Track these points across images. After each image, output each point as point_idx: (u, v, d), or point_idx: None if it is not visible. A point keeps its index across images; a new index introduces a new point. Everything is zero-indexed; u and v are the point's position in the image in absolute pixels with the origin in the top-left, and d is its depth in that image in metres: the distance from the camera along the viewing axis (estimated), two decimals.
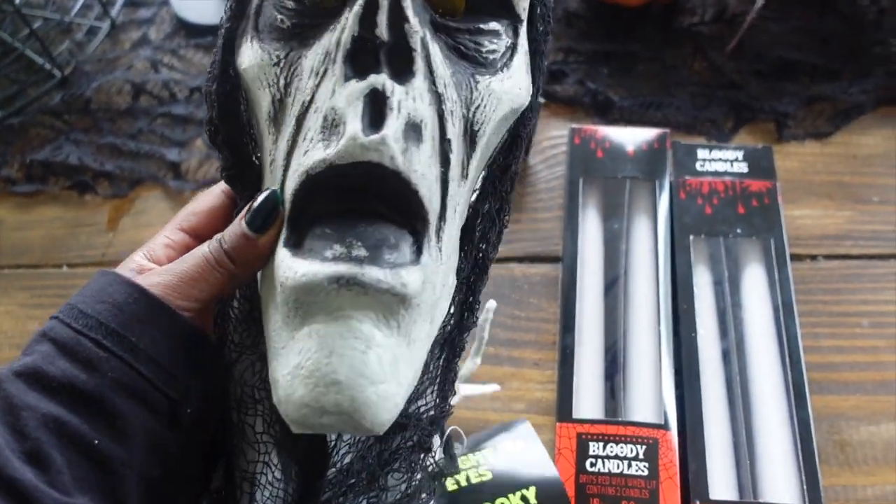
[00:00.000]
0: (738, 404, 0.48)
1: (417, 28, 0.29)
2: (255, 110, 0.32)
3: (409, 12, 0.28)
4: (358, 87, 0.28)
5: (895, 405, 0.50)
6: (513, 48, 0.33)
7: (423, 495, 0.35)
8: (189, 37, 0.71)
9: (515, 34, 0.33)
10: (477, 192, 0.34)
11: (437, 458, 0.36)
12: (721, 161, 0.56)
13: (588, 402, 0.49)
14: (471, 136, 0.31)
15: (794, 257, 0.56)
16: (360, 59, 0.28)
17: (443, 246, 0.30)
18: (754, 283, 0.52)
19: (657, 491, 0.44)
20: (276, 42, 0.31)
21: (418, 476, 0.35)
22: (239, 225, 0.30)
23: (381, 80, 0.28)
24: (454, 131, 0.30)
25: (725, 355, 0.50)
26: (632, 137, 0.57)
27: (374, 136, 0.28)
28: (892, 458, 0.48)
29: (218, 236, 0.31)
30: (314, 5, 0.31)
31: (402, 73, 0.29)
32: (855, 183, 0.59)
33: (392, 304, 0.28)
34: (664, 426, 0.46)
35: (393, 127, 0.28)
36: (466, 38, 0.31)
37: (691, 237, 0.53)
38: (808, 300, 0.54)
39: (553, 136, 0.63)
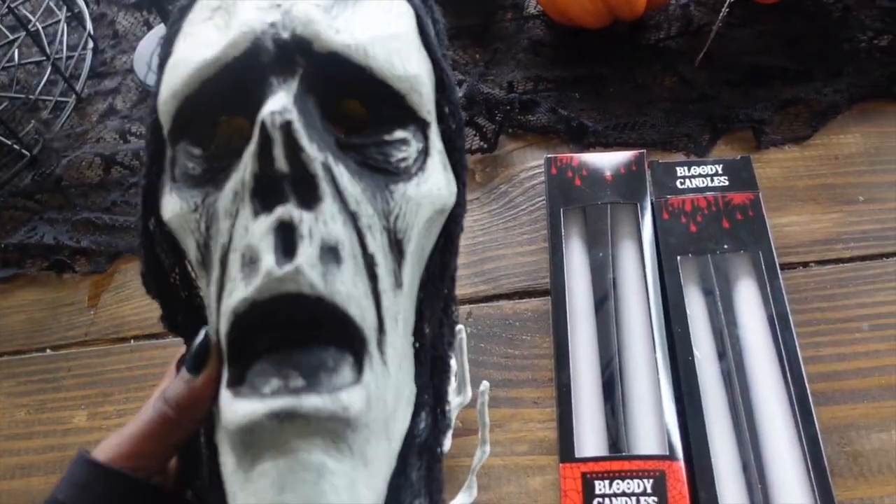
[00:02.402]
0: (744, 426, 0.46)
1: (315, 154, 0.29)
2: (188, 255, 0.32)
3: (304, 141, 0.28)
4: (267, 221, 0.28)
5: None
6: (425, 151, 0.32)
7: None
8: None
9: (425, 137, 0.33)
10: (421, 296, 0.34)
11: None
12: (701, 177, 0.55)
13: (590, 438, 0.47)
14: (397, 246, 0.31)
15: (787, 266, 0.55)
16: (266, 193, 0.29)
17: (388, 359, 0.30)
18: (747, 298, 0.51)
19: None
20: (193, 189, 0.31)
21: None
22: (176, 371, 0.31)
23: (289, 210, 0.28)
24: (376, 244, 0.30)
25: (726, 376, 0.48)
26: (609, 161, 0.56)
27: (289, 268, 0.28)
28: None
29: (162, 386, 0.32)
30: (220, 148, 0.31)
31: (309, 199, 0.29)
32: (839, 184, 0.59)
33: (338, 429, 0.28)
34: (670, 457, 0.45)
35: (306, 254, 0.28)
36: (374, 152, 0.31)
37: (679, 258, 0.52)
38: (805, 309, 0.53)
39: (530, 166, 0.63)
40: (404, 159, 0.32)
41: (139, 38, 0.76)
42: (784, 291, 0.50)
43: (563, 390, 0.48)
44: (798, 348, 0.48)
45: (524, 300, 0.56)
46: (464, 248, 0.59)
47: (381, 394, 0.29)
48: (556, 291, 0.52)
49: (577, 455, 0.46)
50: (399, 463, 0.32)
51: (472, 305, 0.56)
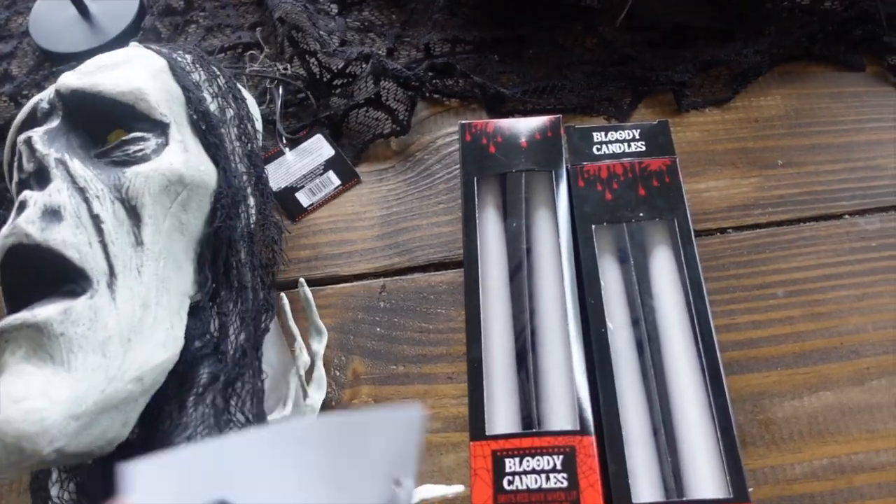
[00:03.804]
0: (655, 398, 0.46)
1: (48, 152, 0.41)
2: None
3: (39, 146, 0.41)
4: (16, 205, 0.39)
5: (816, 376, 0.48)
6: (165, 143, 0.44)
7: None
8: (54, 66, 0.67)
9: (164, 133, 0.44)
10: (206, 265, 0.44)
11: None
12: (618, 142, 0.54)
13: (502, 415, 0.46)
14: (133, 210, 0.41)
15: (704, 232, 0.54)
16: (25, 189, 0.40)
17: (118, 297, 0.38)
18: (662, 267, 0.50)
19: (578, 501, 0.42)
20: None
21: None
22: None
23: (26, 193, 0.39)
24: (103, 208, 0.40)
25: (639, 347, 0.48)
26: (524, 127, 0.55)
27: (9, 225, 0.38)
28: (818, 432, 0.47)
29: None
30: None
31: (42, 182, 0.40)
32: (758, 148, 0.58)
33: (32, 335, 0.35)
34: (581, 431, 0.44)
35: (25, 215, 0.38)
36: (117, 152, 0.43)
37: (594, 226, 0.50)
38: (721, 276, 0.52)
39: (447, 133, 0.60)
40: (141, 150, 0.43)
41: None
42: (698, 259, 0.49)
43: (475, 366, 0.47)
44: (711, 317, 0.47)
45: (439, 272, 0.55)
46: (378, 219, 0.57)
47: (96, 317, 0.37)
48: (469, 263, 0.50)
49: (487, 433, 0.45)
50: (175, 403, 0.40)
51: (386, 279, 0.55)
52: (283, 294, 0.50)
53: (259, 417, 0.43)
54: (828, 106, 0.59)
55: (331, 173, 0.59)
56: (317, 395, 0.48)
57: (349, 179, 0.59)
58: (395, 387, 0.50)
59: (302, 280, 0.51)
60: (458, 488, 0.44)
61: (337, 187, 0.58)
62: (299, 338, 0.48)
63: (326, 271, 0.55)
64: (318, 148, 0.60)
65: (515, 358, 0.48)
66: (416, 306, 0.53)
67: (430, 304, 0.53)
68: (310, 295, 0.50)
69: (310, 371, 0.49)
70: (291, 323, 0.49)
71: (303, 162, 0.59)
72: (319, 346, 0.50)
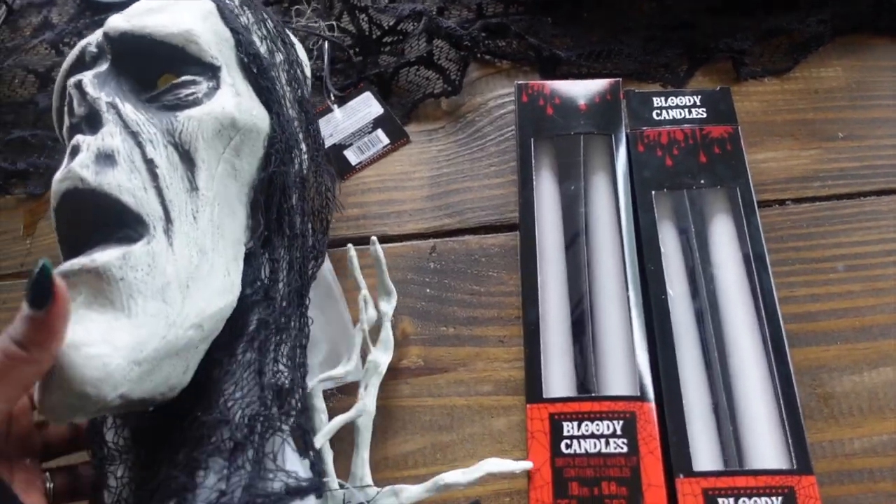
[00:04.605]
0: (716, 367, 0.45)
1: (99, 95, 0.40)
2: None
3: (90, 89, 0.40)
4: (68, 149, 0.38)
5: (876, 351, 0.47)
6: (216, 87, 0.42)
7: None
8: (95, 15, 0.65)
9: (215, 77, 0.43)
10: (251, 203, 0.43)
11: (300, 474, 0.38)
12: (678, 108, 0.52)
13: (559, 378, 0.45)
14: (186, 155, 0.40)
15: (762, 204, 0.53)
16: (77, 134, 0.39)
17: (175, 242, 0.37)
18: (723, 235, 0.49)
19: (638, 468, 0.41)
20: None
21: (238, 479, 0.36)
22: (22, 308, 0.31)
23: (78, 137, 0.38)
24: (157, 153, 0.39)
25: (699, 316, 0.47)
26: (582, 90, 0.53)
27: (63, 170, 0.37)
28: (878, 407, 0.46)
29: (6, 329, 0.31)
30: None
31: (95, 126, 0.39)
32: (818, 119, 0.56)
33: (92, 280, 0.34)
34: (641, 398, 0.43)
35: (79, 159, 0.37)
36: (168, 96, 0.42)
37: (653, 192, 0.49)
38: (780, 248, 0.51)
39: (500, 94, 0.59)
40: (192, 94, 0.42)
41: None
42: (761, 230, 0.48)
43: (531, 329, 0.46)
44: (774, 288, 0.46)
45: (491, 235, 0.54)
46: (427, 180, 0.56)
47: (154, 263, 0.36)
48: (524, 226, 0.49)
49: (545, 395, 0.44)
50: (226, 351, 0.39)
51: (436, 240, 0.54)
52: (350, 245, 0.49)
53: (302, 366, 0.42)
54: (890, 79, 0.58)
55: (379, 132, 0.58)
56: (383, 356, 0.47)
57: (398, 139, 0.57)
58: (446, 348, 0.50)
59: (374, 238, 0.49)
60: (526, 465, 0.42)
61: (385, 146, 0.57)
62: (364, 290, 0.47)
63: (374, 230, 0.54)
64: (367, 106, 0.58)
65: (572, 321, 0.47)
66: (466, 268, 0.52)
67: (482, 267, 0.52)
68: (381, 254, 0.49)
69: (376, 332, 0.48)
70: (358, 274, 0.48)
71: (351, 120, 0.58)
72: (388, 307, 0.49)
